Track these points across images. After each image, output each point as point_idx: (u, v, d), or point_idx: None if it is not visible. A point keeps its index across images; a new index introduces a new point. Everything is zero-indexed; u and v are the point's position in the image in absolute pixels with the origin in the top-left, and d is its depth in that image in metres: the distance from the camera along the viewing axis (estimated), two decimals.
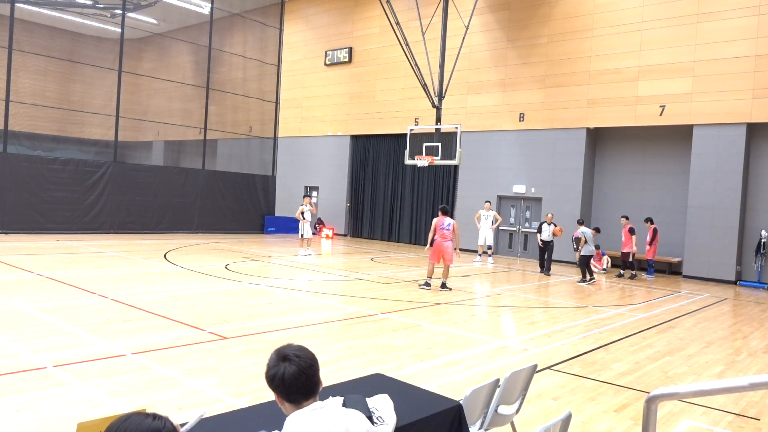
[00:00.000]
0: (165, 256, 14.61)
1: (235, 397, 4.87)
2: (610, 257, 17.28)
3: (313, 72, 25.71)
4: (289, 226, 24.03)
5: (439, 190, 21.90)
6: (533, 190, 19.26)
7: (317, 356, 2.28)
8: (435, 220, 11.77)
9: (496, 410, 3.64)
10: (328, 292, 10.73)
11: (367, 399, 2.67)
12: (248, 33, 25.21)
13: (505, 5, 19.95)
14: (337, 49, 24.73)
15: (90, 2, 23.25)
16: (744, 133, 15.45)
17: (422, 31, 17.33)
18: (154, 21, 24.66)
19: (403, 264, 16.00)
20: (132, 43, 23.68)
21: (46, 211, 18.52)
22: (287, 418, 2.15)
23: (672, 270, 17.17)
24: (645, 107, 16.91)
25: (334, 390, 3.08)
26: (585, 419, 4.88)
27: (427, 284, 11.60)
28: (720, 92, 15.72)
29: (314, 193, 25.38)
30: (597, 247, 15.55)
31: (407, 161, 17.28)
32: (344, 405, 2.48)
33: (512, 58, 19.72)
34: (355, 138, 24.47)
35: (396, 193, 23.31)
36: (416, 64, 17.01)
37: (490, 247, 17.59)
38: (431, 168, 21.24)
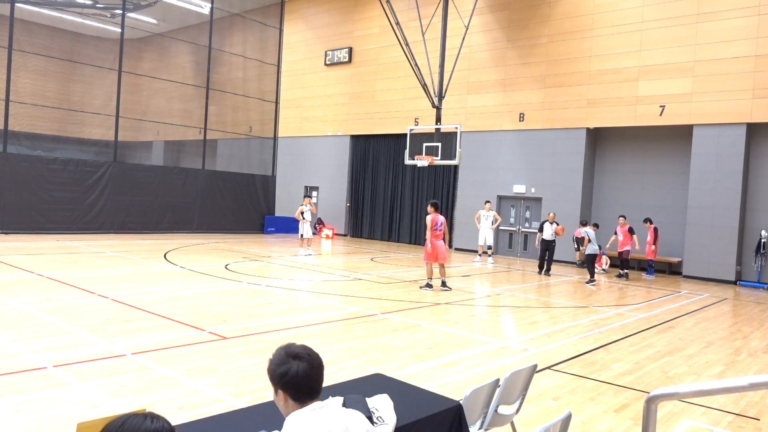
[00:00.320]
0: (165, 256, 14.61)
1: (235, 397, 4.87)
2: (609, 257, 17.28)
3: (313, 72, 25.71)
4: (289, 226, 24.03)
5: (439, 190, 21.91)
6: (533, 190, 19.26)
7: None
8: (430, 217, 11.43)
9: (496, 410, 3.64)
10: (328, 292, 10.73)
11: (367, 399, 2.67)
12: (248, 33, 25.21)
13: (505, 5, 19.95)
14: (337, 49, 24.73)
15: (90, 2, 23.25)
16: (744, 133, 15.44)
17: (422, 31, 17.33)
18: (154, 21, 24.66)
19: (403, 264, 16.00)
20: (132, 43, 23.68)
21: (46, 211, 18.52)
22: (287, 418, 2.15)
23: (672, 270, 17.17)
24: (645, 107, 16.91)
25: (334, 390, 3.08)
26: (585, 419, 4.88)
27: (429, 285, 11.52)
28: (720, 92, 15.72)
29: (314, 193, 25.37)
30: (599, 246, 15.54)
31: (407, 161, 17.28)
32: (344, 405, 2.48)
33: (512, 58, 19.72)
34: (355, 138, 24.47)
35: (396, 193, 23.31)
36: (416, 64, 17.01)
37: (490, 247, 17.59)
38: (431, 168, 21.25)
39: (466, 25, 17.97)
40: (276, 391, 2.20)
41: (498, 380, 3.64)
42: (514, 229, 20.09)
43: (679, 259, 16.85)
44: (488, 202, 17.96)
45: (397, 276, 13.43)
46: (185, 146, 25.21)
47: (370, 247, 20.76)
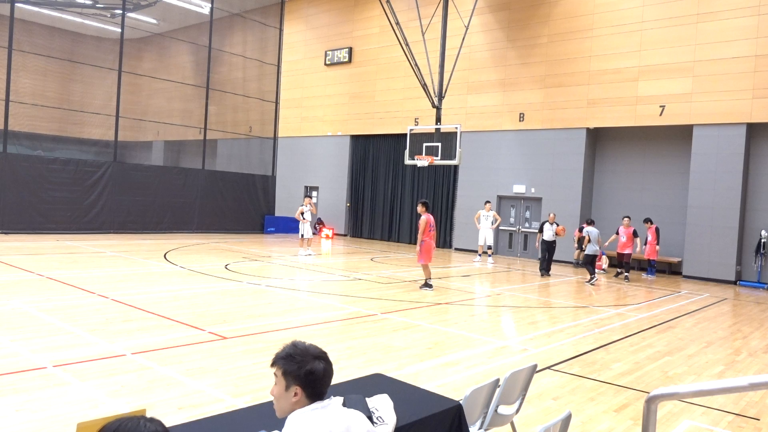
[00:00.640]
0: (165, 256, 14.61)
1: (235, 397, 4.87)
2: (608, 257, 17.28)
3: (313, 72, 25.71)
4: (289, 226, 24.03)
5: (439, 190, 21.91)
6: (533, 190, 19.27)
7: None
8: (425, 218, 11.39)
9: (496, 410, 3.64)
10: (328, 292, 10.73)
11: (367, 399, 2.67)
12: (248, 33, 25.22)
13: (505, 5, 19.95)
14: (337, 49, 24.73)
15: (90, 2, 23.25)
16: (744, 133, 15.44)
17: (422, 31, 17.34)
18: (154, 21, 24.66)
19: (403, 264, 15.99)
20: (132, 43, 23.68)
21: (46, 211, 18.52)
22: (289, 417, 2.15)
23: (672, 270, 17.17)
24: (645, 107, 16.91)
25: (334, 390, 3.08)
26: (585, 419, 4.88)
27: (429, 285, 11.52)
28: (720, 92, 15.72)
29: (314, 193, 25.38)
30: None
31: (407, 161, 17.28)
32: (344, 405, 2.48)
33: (512, 58, 19.72)
34: (355, 138, 24.47)
35: (396, 193, 23.31)
36: (416, 64, 17.01)
37: (490, 247, 17.59)
38: (431, 168, 21.25)
39: (466, 25, 17.98)
40: (288, 387, 2.18)
41: (498, 380, 3.64)
42: (514, 229, 20.09)
43: (679, 259, 16.85)
44: (488, 202, 17.95)
45: (397, 276, 13.43)
46: (185, 146, 25.22)
47: (370, 247, 20.76)
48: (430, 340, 7.34)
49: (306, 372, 2.16)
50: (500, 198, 20.16)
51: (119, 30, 20.79)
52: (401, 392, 3.33)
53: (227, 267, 13.14)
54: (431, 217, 11.55)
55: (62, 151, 20.69)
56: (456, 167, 20.67)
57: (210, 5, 23.11)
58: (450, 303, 10.27)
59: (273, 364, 2.23)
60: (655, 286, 14.51)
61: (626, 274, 15.23)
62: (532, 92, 19.19)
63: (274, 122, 25.94)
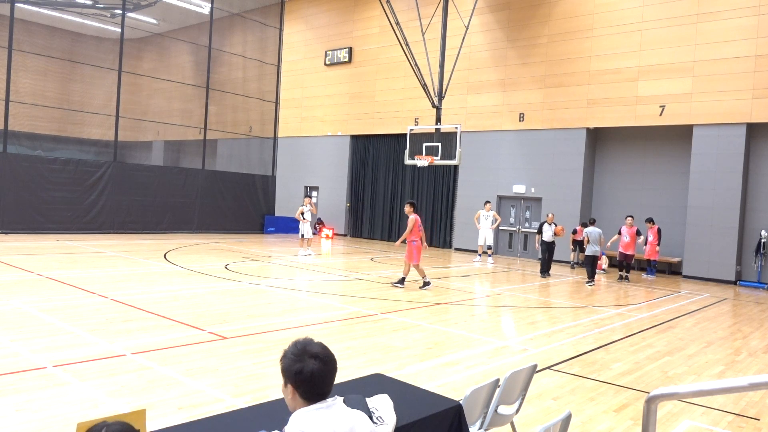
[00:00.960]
0: (165, 256, 14.61)
1: (235, 397, 4.86)
2: (609, 257, 17.28)
3: (313, 72, 25.71)
4: (289, 226, 24.03)
5: (439, 190, 21.91)
6: (533, 190, 19.27)
7: None
8: (415, 218, 11.54)
9: (495, 410, 3.64)
10: (328, 292, 10.73)
11: (367, 399, 2.67)
12: (248, 33, 25.22)
13: (505, 5, 19.95)
14: (337, 49, 24.73)
15: (90, 2, 23.25)
16: (744, 133, 15.44)
17: (422, 31, 17.33)
18: (154, 21, 24.66)
19: (402, 264, 15.96)
20: (132, 43, 23.69)
21: (46, 211, 18.52)
22: (293, 415, 2.15)
23: (672, 270, 17.17)
24: (645, 107, 16.91)
25: (334, 390, 3.08)
26: (585, 419, 4.88)
27: (428, 283, 11.58)
28: (720, 92, 15.72)
29: (314, 193, 25.38)
30: None
31: (407, 161, 17.27)
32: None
33: (512, 58, 19.72)
34: (355, 138, 24.47)
35: (396, 193, 23.31)
36: (416, 64, 17.01)
37: (490, 247, 17.59)
38: (431, 168, 21.25)
39: (466, 25, 17.97)
40: (285, 384, 2.19)
41: (498, 380, 3.64)
42: (514, 229, 20.09)
43: (679, 259, 16.85)
44: (488, 202, 17.95)
45: (397, 276, 13.42)
46: (185, 146, 25.22)
47: (370, 247, 20.76)
48: (430, 340, 7.34)
49: (295, 371, 2.15)
50: (500, 198, 20.16)
51: (119, 30, 20.78)
52: (401, 392, 3.33)
53: (227, 267, 13.14)
54: (418, 218, 11.67)
55: (62, 151, 20.69)
56: (456, 167, 20.68)
57: (210, 5, 23.11)
58: (450, 303, 10.27)
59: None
60: (655, 286, 14.50)
61: (626, 274, 15.20)
62: (532, 92, 19.19)
63: (274, 122, 25.94)
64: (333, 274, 13.32)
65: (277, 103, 25.94)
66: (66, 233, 18.64)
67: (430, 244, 21.74)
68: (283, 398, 2.28)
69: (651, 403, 2.53)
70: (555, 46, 18.76)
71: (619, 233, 15.46)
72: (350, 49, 24.28)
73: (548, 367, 6.38)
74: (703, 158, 16.07)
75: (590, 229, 14.36)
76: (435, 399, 3.37)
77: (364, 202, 24.28)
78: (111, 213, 19.99)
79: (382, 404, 2.71)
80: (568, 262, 17.99)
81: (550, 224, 15.30)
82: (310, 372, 2.13)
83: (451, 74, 17.95)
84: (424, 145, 16.81)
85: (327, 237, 23.37)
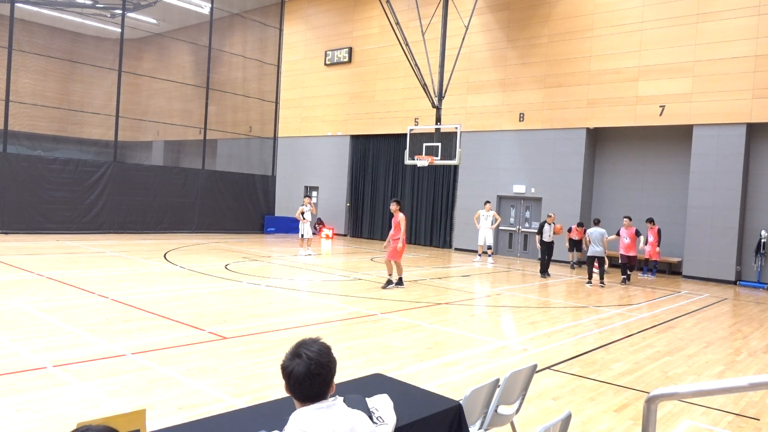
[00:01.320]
0: (165, 256, 14.61)
1: (234, 397, 4.86)
2: (609, 258, 17.24)
3: (313, 72, 25.71)
4: (289, 226, 24.04)
5: (439, 190, 21.91)
6: (533, 190, 19.26)
7: None
8: (403, 217, 11.42)
9: (495, 410, 3.64)
10: (328, 292, 10.73)
11: (367, 399, 2.67)
12: (248, 33, 25.22)
13: (505, 5, 19.95)
14: (337, 49, 24.73)
15: (90, 2, 23.25)
16: (744, 133, 15.44)
17: (422, 31, 17.34)
18: (154, 21, 24.66)
19: (402, 264, 15.96)
20: (132, 43, 23.69)
21: (46, 211, 18.52)
22: (293, 415, 2.15)
23: (672, 270, 17.17)
24: (645, 107, 16.91)
25: (334, 390, 3.08)
26: (585, 419, 4.88)
27: (390, 282, 11.49)
28: (720, 92, 15.72)
29: (314, 193, 25.38)
30: None
31: (407, 161, 17.28)
32: None
33: (512, 58, 19.72)
34: (355, 138, 24.47)
35: (396, 193, 23.29)
36: (416, 64, 17.01)
37: (489, 247, 17.59)
38: (431, 168, 21.25)
39: (466, 25, 17.98)
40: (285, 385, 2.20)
41: (498, 380, 3.64)
42: (514, 229, 20.09)
43: (679, 259, 16.85)
44: (488, 202, 17.94)
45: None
46: (185, 146, 25.22)
47: (370, 247, 20.76)
48: (430, 340, 7.34)
49: (285, 372, 2.15)
50: (500, 198, 20.16)
51: (119, 30, 20.79)
52: (401, 392, 3.33)
53: (227, 267, 13.14)
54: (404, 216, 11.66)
55: (62, 151, 20.68)
56: (456, 167, 20.68)
57: (210, 5, 23.11)
58: (450, 303, 10.27)
59: None
60: (655, 286, 14.50)
61: (629, 274, 14.98)
62: (532, 92, 19.19)
63: (274, 122, 25.95)
64: (333, 274, 13.32)
65: (277, 103, 25.95)
66: (66, 233, 18.64)
67: (431, 244, 21.74)
68: (282, 398, 2.28)
69: (651, 403, 2.53)
70: (555, 46, 18.76)
71: (618, 235, 15.19)
72: (350, 49, 24.28)
73: (548, 367, 6.38)
74: (703, 158, 16.07)
75: (592, 229, 14.08)
76: (435, 399, 3.37)
77: (364, 202, 24.28)
78: (111, 213, 19.99)
79: (382, 404, 2.71)
80: (569, 263, 17.99)
81: (550, 224, 15.28)
82: (295, 373, 2.11)
83: (451, 74, 17.95)
84: (424, 145, 16.81)
85: (327, 237, 23.37)
